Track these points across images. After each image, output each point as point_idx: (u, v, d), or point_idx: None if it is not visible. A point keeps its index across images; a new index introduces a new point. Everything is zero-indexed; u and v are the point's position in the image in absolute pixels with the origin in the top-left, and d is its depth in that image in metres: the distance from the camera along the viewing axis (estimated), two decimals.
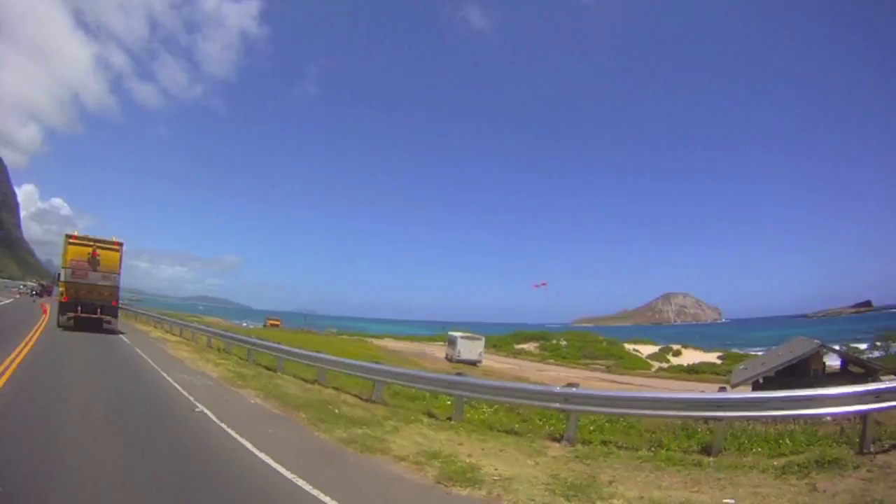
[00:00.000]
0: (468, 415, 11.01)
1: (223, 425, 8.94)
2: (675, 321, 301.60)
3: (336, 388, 14.28)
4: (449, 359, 47.41)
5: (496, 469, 7.22)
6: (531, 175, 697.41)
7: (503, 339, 69.53)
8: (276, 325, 78.15)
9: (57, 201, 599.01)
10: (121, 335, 24.45)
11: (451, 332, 53.68)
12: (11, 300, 42.38)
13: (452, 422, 10.43)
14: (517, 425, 10.36)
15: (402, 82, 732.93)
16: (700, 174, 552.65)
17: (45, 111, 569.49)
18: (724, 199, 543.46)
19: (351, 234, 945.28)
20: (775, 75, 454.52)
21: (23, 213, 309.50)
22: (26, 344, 16.88)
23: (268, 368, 17.59)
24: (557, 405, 9.46)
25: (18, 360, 13.33)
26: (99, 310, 23.28)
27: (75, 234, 24.03)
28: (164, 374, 14.38)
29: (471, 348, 46.72)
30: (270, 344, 19.45)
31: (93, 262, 22.67)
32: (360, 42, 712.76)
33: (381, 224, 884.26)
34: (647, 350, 64.76)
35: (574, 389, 9.46)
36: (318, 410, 10.90)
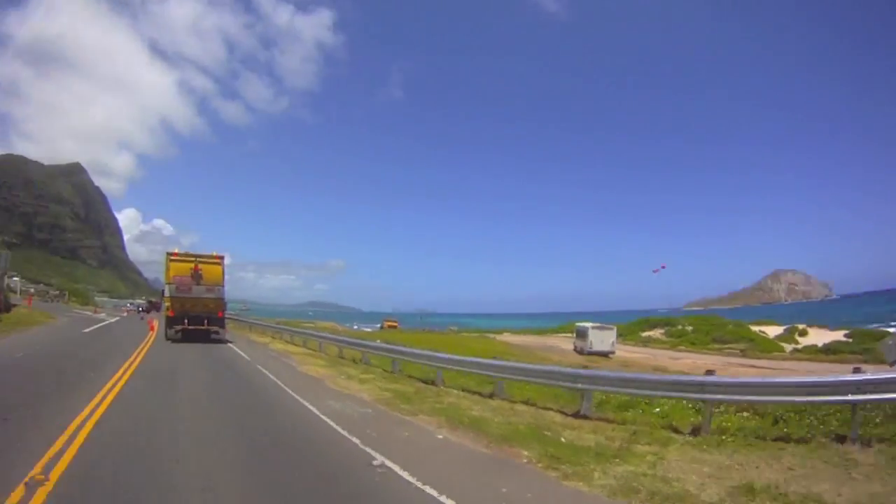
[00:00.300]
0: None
1: (432, 491, 5.76)
2: (785, 300, 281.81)
3: (526, 403, 11.55)
4: (579, 351, 44.57)
5: None
6: (629, 171, 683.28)
7: (628, 327, 64.81)
8: (395, 327, 74.31)
9: (159, 222, 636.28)
10: (237, 349, 22.32)
11: (579, 324, 50.35)
12: (118, 318, 41.46)
13: (703, 436, 8.22)
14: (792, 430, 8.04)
15: (492, 79, 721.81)
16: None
17: (136, 139, 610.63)
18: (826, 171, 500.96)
19: (453, 232, 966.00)
20: None
21: (126, 237, 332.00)
22: (131, 364, 14.78)
23: (424, 381, 14.61)
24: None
25: (119, 386, 11.02)
26: (206, 321, 23.61)
27: (176, 251, 24.55)
28: (305, 402, 11.20)
29: (603, 339, 43.93)
30: (421, 351, 16.87)
31: (196, 276, 23.21)
32: (439, 44, 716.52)
33: (484, 220, 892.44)
34: (771, 331, 60.15)
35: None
36: (537, 441, 8.21)
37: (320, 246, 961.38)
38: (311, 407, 10.66)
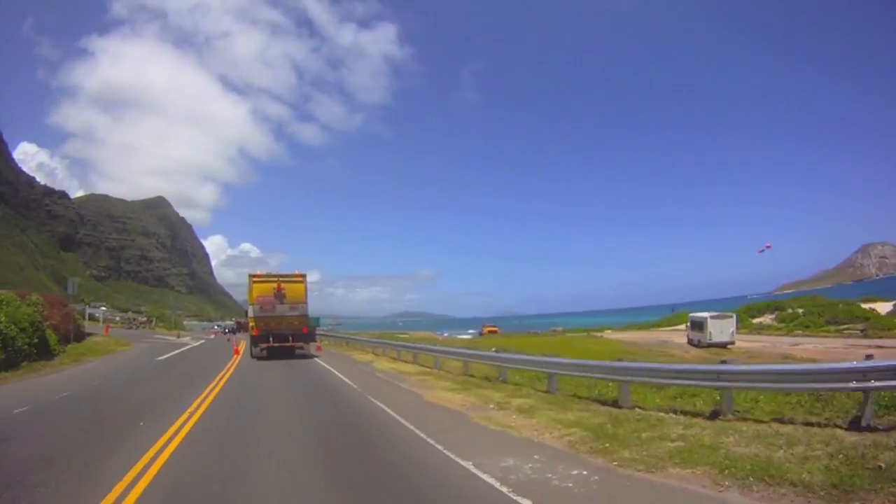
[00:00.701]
0: None
1: None
2: (876, 275, 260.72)
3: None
4: (696, 343, 41.34)
5: None
6: (712, 163, 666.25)
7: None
8: (495, 332, 69.05)
9: (246, 246, 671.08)
10: (337, 374, 18.93)
11: (694, 314, 46.72)
12: (202, 342, 39.93)
13: None
14: None
15: (567, 74, 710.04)
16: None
17: (216, 170, 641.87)
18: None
19: (537, 234, 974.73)
20: None
21: (214, 262, 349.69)
22: (201, 403, 11.78)
23: (600, 402, 11.05)
24: None
25: (175, 443, 7.83)
26: (291, 338, 23.83)
27: (258, 272, 25.16)
28: (464, 462, 7.00)
29: (722, 328, 40.36)
30: (586, 362, 13.13)
31: (279, 295, 23.41)
32: (508, 41, 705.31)
33: (565, 220, 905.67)
34: (881, 308, 53.98)
35: None
36: None
37: (409, 257, 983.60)
38: (479, 473, 6.49)
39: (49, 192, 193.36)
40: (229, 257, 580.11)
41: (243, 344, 27.70)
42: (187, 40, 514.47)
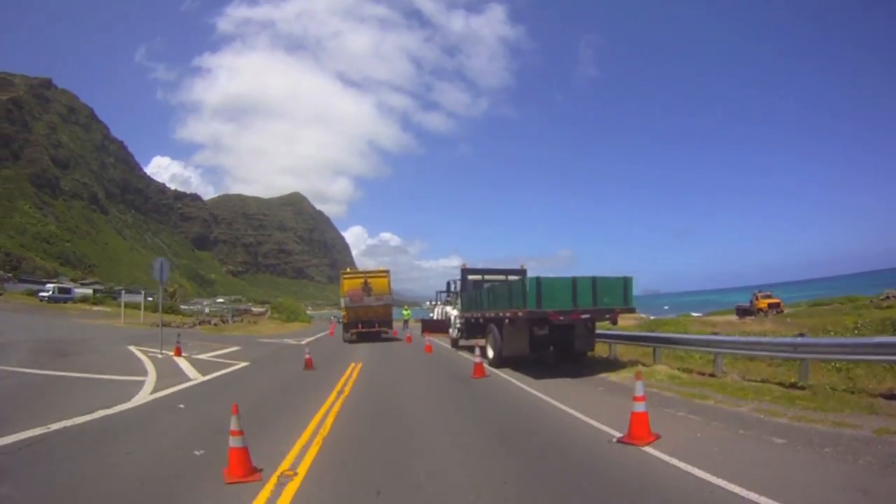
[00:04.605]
0: None
1: None
2: None
3: None
4: None
5: None
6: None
7: None
8: (777, 305, 40.30)
9: (386, 235, 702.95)
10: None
11: None
12: (306, 341, 25.73)
13: None
14: None
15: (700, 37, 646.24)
16: None
17: (348, 164, 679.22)
18: None
19: (675, 208, 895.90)
20: None
21: (354, 252, 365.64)
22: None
23: None
24: None
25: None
26: (377, 324, 26.69)
27: (348, 270, 31.49)
28: None
29: None
30: None
31: (366, 288, 26.67)
32: (620, 11, 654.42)
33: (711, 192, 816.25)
34: None
35: None
36: None
37: (547, 238, 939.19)
38: None
39: (180, 195, 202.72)
40: (369, 246, 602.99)
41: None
42: (299, 45, 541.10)
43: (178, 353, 16.29)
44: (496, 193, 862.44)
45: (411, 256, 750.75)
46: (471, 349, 14.61)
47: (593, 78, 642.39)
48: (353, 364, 15.06)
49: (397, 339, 26.65)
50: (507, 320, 12.71)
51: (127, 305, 38.93)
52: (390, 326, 28.38)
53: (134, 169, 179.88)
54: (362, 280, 27.19)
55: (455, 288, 21.75)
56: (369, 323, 26.62)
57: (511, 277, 18.19)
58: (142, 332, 26.17)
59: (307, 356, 14.43)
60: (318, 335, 33.78)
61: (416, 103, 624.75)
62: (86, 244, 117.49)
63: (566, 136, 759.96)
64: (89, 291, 59.79)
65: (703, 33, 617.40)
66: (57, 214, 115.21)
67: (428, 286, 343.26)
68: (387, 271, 28.41)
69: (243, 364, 15.53)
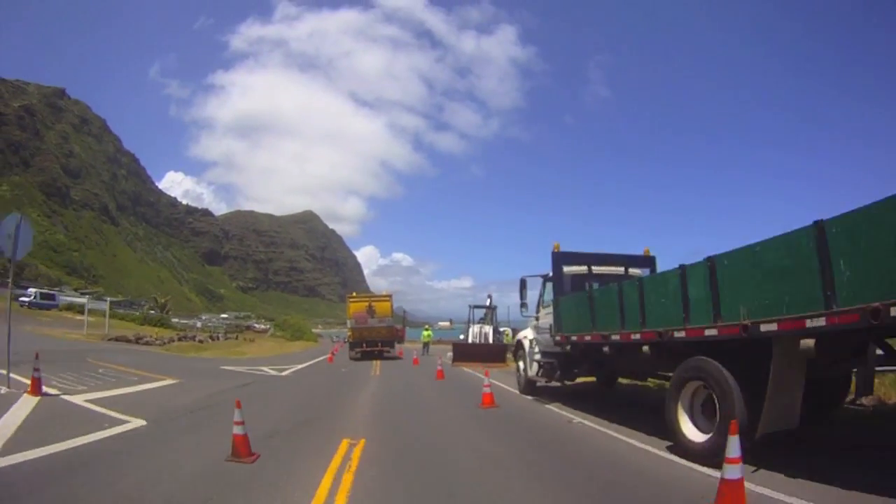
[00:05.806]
0: None
1: None
2: None
3: None
4: None
5: None
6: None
7: None
8: None
9: (398, 255, 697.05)
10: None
11: None
12: (292, 371, 21.12)
13: None
14: None
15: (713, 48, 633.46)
16: None
17: (360, 184, 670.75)
18: None
19: (688, 231, 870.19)
20: None
21: (366, 271, 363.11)
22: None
23: None
24: None
25: None
26: (379, 344, 29.03)
27: (354, 294, 33.98)
28: None
29: None
30: None
31: (370, 311, 28.83)
32: (630, 31, 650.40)
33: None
34: None
35: None
36: None
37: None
38: None
39: (192, 210, 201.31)
40: (381, 266, 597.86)
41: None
42: (312, 64, 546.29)
43: (35, 390, 9.77)
44: (508, 214, 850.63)
45: (423, 277, 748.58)
46: (566, 397, 10.12)
47: (604, 98, 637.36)
48: (346, 440, 7.24)
49: (413, 366, 24.59)
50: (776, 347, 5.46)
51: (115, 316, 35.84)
52: (392, 346, 30.73)
53: (146, 182, 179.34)
54: (367, 304, 29.56)
55: (544, 293, 13.21)
56: (372, 342, 28.79)
57: (633, 270, 12.01)
58: (80, 345, 22.88)
59: (237, 433, 6.11)
60: (313, 361, 27.95)
61: (428, 123, 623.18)
62: (94, 255, 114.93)
63: (578, 156, 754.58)
64: (83, 300, 56.44)
65: (717, 52, 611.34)
66: (66, 223, 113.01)
67: (440, 308, 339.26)
68: (389, 296, 31.21)
69: (117, 430, 7.63)
